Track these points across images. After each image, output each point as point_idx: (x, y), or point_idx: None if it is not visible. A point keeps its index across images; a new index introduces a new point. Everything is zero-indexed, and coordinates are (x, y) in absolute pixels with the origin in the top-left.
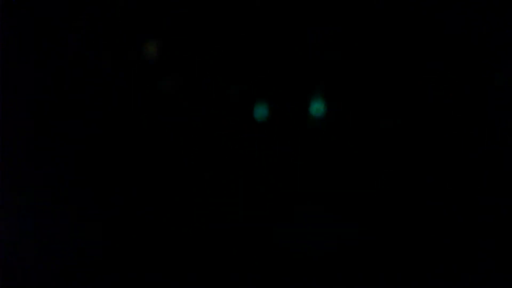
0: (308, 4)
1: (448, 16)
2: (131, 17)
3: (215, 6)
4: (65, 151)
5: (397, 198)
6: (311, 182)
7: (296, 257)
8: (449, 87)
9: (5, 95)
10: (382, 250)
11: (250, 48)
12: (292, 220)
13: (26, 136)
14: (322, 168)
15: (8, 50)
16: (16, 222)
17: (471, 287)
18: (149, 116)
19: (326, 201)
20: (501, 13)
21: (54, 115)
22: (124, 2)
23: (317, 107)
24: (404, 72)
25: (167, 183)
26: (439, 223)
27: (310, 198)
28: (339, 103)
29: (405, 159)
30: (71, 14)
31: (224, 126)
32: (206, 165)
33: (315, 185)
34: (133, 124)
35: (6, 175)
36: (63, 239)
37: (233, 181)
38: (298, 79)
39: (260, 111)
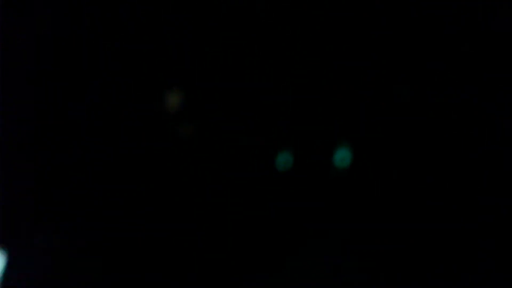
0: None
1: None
2: (130, 17)
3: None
4: (64, 151)
5: (397, 198)
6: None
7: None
8: (448, 86)
9: (5, 95)
10: (382, 249)
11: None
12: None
13: (26, 136)
14: None
15: (8, 50)
16: (16, 222)
17: (471, 287)
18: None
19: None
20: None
21: (54, 114)
22: (123, 3)
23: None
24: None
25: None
26: (439, 222)
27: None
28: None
29: (406, 159)
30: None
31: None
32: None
33: None
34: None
35: (6, 175)
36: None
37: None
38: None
39: (283, 160)
